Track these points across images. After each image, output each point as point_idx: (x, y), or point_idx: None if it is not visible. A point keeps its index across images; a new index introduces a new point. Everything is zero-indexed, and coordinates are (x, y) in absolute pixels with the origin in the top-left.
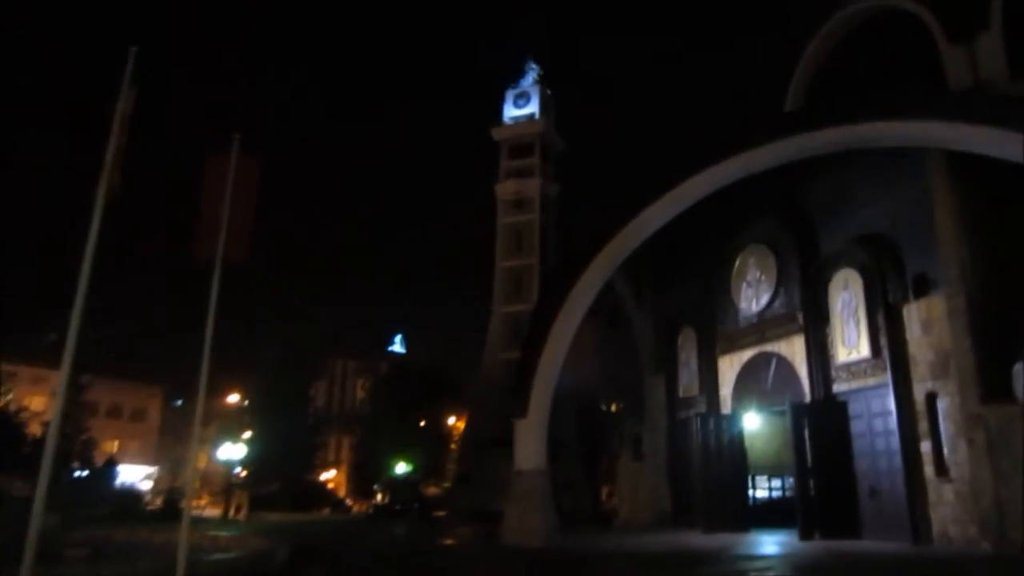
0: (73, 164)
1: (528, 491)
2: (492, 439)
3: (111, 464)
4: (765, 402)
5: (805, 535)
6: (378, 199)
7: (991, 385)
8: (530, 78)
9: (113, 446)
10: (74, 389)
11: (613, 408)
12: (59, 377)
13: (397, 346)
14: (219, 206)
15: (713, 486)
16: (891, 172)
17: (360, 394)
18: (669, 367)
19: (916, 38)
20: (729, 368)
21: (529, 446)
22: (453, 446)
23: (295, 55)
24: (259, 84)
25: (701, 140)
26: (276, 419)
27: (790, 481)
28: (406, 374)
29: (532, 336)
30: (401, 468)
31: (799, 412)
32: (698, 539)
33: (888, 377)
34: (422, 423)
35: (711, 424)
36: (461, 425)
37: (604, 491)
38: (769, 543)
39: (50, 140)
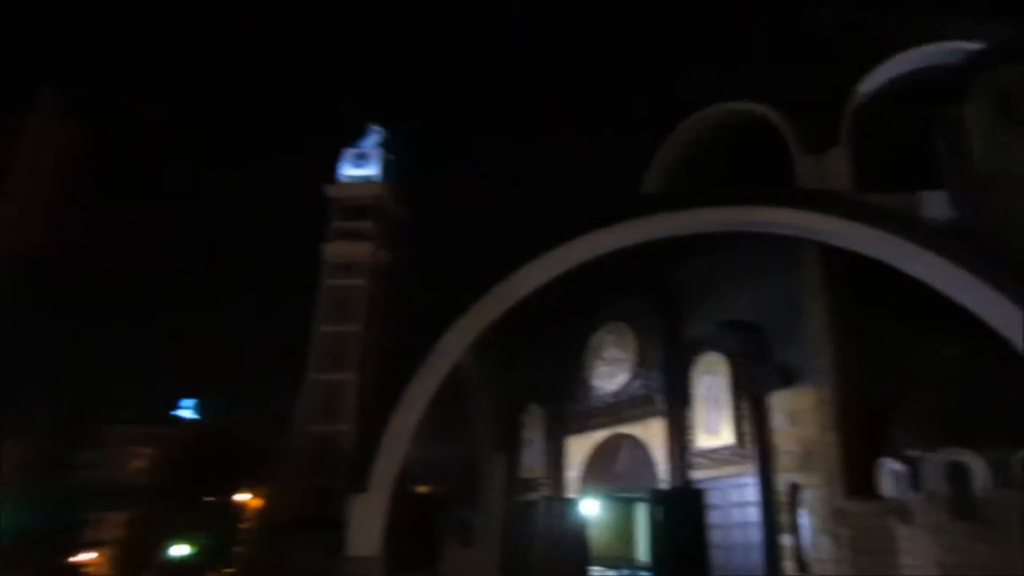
0: None
1: None
2: (293, 520)
3: None
4: (616, 486)
5: None
6: (176, 239)
7: (856, 480)
8: (372, 140)
9: None
10: None
11: (424, 490)
12: None
13: (189, 412)
14: (19, 181)
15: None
16: (760, 263)
17: (138, 464)
18: (511, 446)
19: (769, 144)
20: (579, 449)
21: (367, 527)
22: (246, 527)
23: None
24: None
25: (579, 211)
26: (33, 491)
27: (624, 574)
28: (197, 444)
29: (381, 399)
30: (182, 550)
31: (657, 499)
32: None
33: (751, 466)
34: (210, 500)
35: (556, 508)
36: (257, 503)
37: None
38: None
39: None
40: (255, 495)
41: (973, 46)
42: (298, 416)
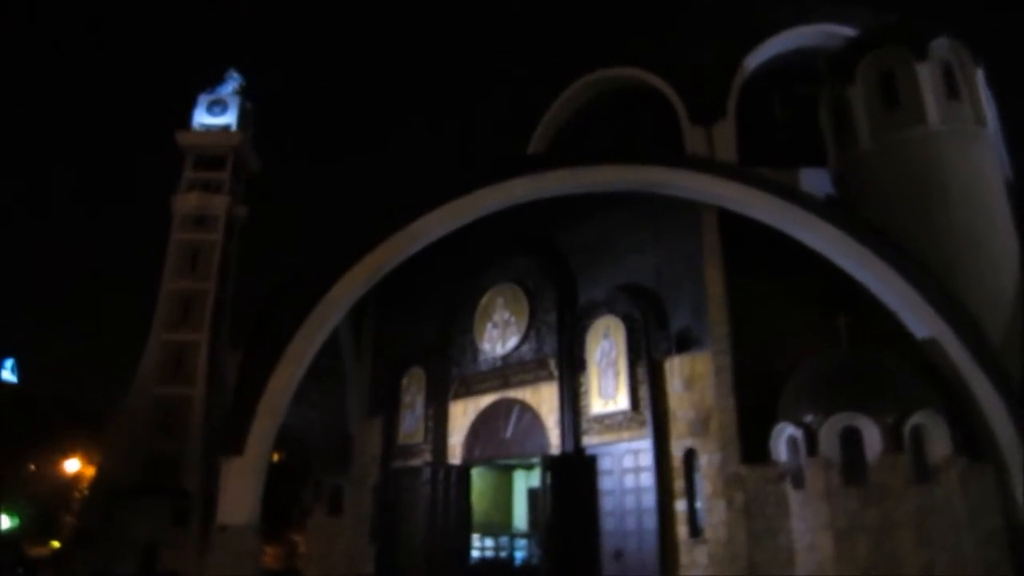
0: None
1: (236, 553)
2: (131, 488)
3: None
4: (502, 453)
5: None
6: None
7: (751, 445)
8: (230, 87)
9: None
10: None
11: (275, 458)
12: None
13: (6, 373)
14: None
15: (437, 545)
16: (657, 228)
17: None
18: (389, 411)
19: (657, 114)
20: (463, 414)
21: (241, 494)
22: (77, 495)
23: None
24: None
25: (480, 163)
26: None
27: (502, 541)
28: (16, 408)
29: (261, 352)
30: (1, 523)
31: (548, 466)
32: None
33: (646, 432)
34: (33, 467)
35: (441, 475)
36: (89, 471)
37: None
38: None
39: None
40: (88, 462)
41: (849, 30)
42: (139, 378)
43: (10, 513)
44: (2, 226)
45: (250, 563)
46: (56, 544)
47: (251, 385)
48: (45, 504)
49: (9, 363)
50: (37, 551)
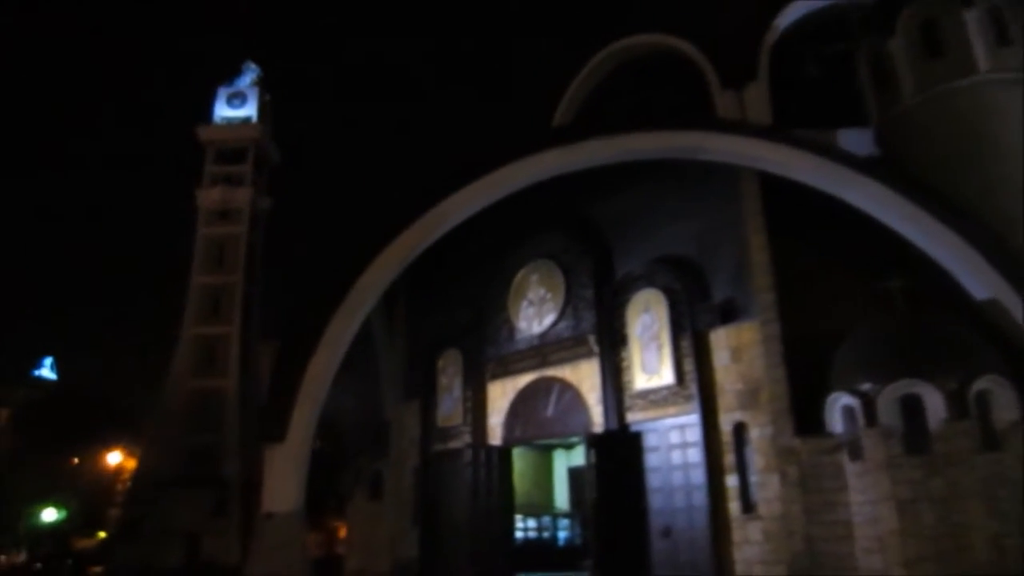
0: None
1: (282, 541)
2: (171, 480)
3: None
4: (543, 432)
5: None
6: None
7: (804, 417)
8: (248, 78)
9: None
10: None
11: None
12: None
13: (46, 371)
14: None
15: (481, 527)
16: (695, 197)
17: None
18: (426, 393)
19: (687, 78)
20: (501, 395)
21: (286, 481)
22: (120, 488)
23: None
24: None
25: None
26: None
27: (544, 521)
28: (58, 404)
29: (300, 336)
30: (50, 515)
31: (592, 444)
32: None
33: (692, 406)
34: (76, 461)
35: (482, 456)
36: (131, 464)
37: None
38: None
39: None
40: (129, 455)
41: None
42: (174, 371)
43: (57, 506)
44: (35, 228)
45: (296, 549)
46: (103, 535)
47: (290, 372)
48: (90, 497)
49: (48, 361)
50: (84, 543)
